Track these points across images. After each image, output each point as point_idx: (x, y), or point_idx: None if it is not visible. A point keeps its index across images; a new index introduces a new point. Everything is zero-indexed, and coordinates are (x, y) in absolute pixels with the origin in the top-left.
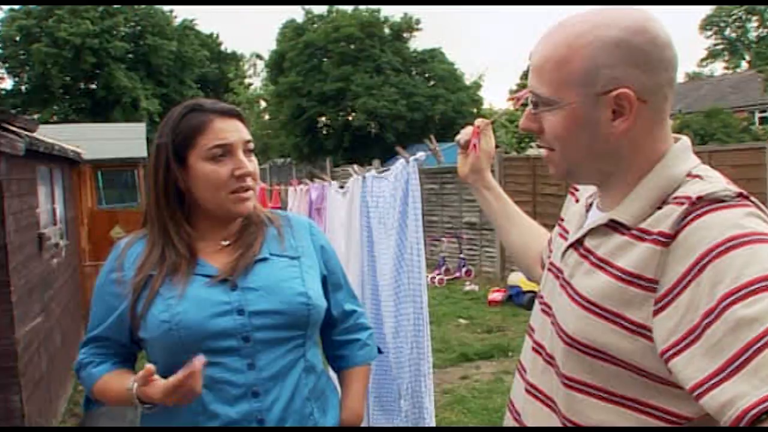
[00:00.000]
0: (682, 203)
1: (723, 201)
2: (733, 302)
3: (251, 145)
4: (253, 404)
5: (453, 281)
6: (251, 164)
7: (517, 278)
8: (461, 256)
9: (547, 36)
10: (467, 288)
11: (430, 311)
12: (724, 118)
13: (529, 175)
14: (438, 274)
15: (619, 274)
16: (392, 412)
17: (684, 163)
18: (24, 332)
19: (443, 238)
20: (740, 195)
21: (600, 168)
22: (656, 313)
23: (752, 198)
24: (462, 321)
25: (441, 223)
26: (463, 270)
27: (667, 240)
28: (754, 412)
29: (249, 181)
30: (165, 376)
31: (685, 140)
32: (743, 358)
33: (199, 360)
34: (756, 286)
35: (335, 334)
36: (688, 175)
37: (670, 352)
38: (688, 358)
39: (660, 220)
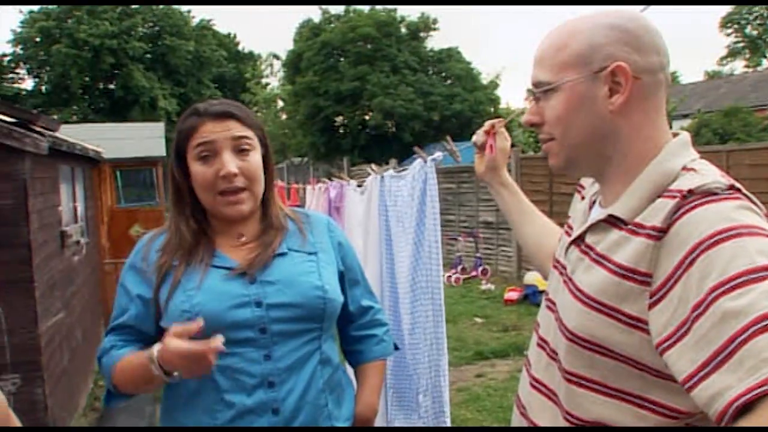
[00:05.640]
0: (675, 197)
1: (714, 194)
2: (720, 295)
3: (246, 143)
4: (268, 394)
5: (469, 280)
6: (245, 163)
7: (533, 277)
8: (478, 255)
9: (547, 35)
10: (483, 287)
11: (447, 310)
12: (744, 117)
13: (546, 174)
14: (454, 273)
15: (616, 269)
16: (410, 408)
17: (680, 158)
18: (47, 327)
19: (460, 237)
20: (731, 187)
21: (599, 151)
22: (651, 306)
23: (744, 191)
24: (478, 320)
25: (458, 222)
26: (480, 269)
27: (659, 234)
28: (738, 403)
29: (238, 182)
30: None
31: (684, 135)
32: (728, 350)
33: (219, 339)
34: (742, 279)
35: (352, 329)
36: (684, 168)
37: (664, 345)
38: (680, 351)
39: (653, 214)
